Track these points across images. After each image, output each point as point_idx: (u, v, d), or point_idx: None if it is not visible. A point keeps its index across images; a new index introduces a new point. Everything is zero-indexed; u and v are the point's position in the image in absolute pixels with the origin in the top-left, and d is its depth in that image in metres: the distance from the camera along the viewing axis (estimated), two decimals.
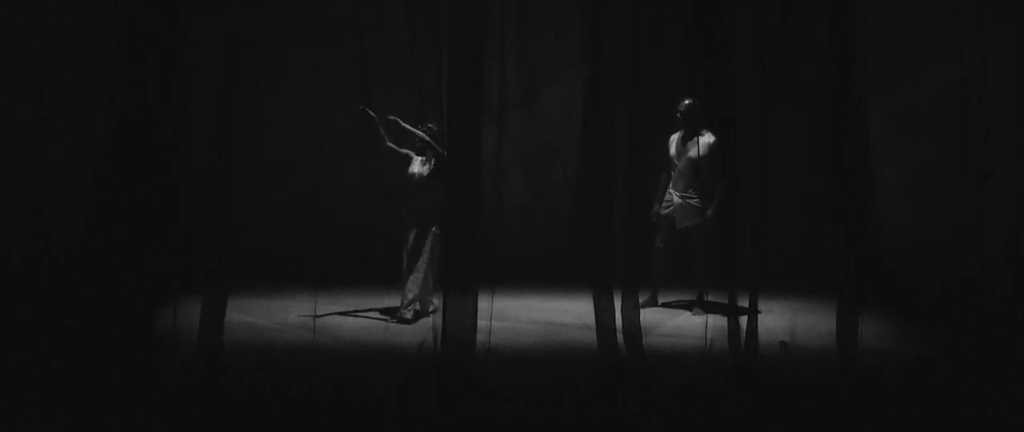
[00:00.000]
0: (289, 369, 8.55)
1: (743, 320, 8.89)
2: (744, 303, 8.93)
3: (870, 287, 9.55)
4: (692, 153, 10.22)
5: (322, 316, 9.93)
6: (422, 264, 9.89)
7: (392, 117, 9.89)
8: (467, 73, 8.89)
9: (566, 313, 10.27)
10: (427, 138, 9.86)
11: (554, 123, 11.74)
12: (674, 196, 10.34)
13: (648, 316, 9.81)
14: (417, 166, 9.96)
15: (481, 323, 8.77)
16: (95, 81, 9.68)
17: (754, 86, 9.35)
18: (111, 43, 9.39)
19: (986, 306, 9.79)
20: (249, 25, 9.27)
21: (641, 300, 9.56)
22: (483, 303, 8.87)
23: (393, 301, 10.12)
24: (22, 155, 9.78)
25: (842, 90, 9.18)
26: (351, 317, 10.08)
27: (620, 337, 8.95)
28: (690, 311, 10.30)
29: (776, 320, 9.83)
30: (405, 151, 9.99)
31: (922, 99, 10.86)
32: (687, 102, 10.24)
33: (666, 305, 10.59)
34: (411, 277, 9.91)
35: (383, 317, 10.03)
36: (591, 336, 9.02)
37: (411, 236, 9.94)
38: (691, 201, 10.25)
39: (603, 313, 8.98)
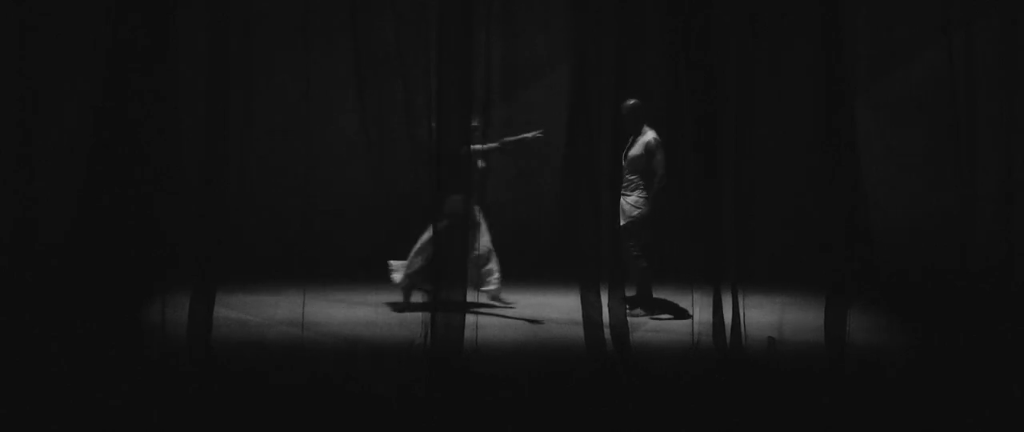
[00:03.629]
0: (278, 365, 8.65)
1: (728, 316, 9.00)
2: (729, 299, 9.04)
3: (858, 280, 9.63)
4: (631, 152, 10.29)
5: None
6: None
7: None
8: (456, 67, 8.99)
9: (553, 308, 10.40)
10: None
11: (540, 117, 11.80)
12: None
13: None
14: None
15: (468, 318, 8.88)
16: (85, 78, 9.77)
17: (740, 78, 9.43)
18: (101, 41, 9.47)
19: (977, 298, 9.88)
20: (239, 20, 9.35)
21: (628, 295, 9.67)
22: (470, 298, 9.01)
23: (384, 296, 10.23)
24: (12, 154, 9.86)
25: (830, 80, 9.26)
26: (340, 313, 10.19)
27: (607, 332, 9.05)
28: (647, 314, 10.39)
29: (764, 315, 9.90)
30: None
31: (911, 88, 10.94)
32: (630, 102, 10.30)
33: (658, 300, 10.69)
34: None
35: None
36: (578, 331, 9.11)
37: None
38: (629, 199, 10.30)
39: (590, 308, 9.08)
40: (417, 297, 10.22)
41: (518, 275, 10.93)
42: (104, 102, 9.34)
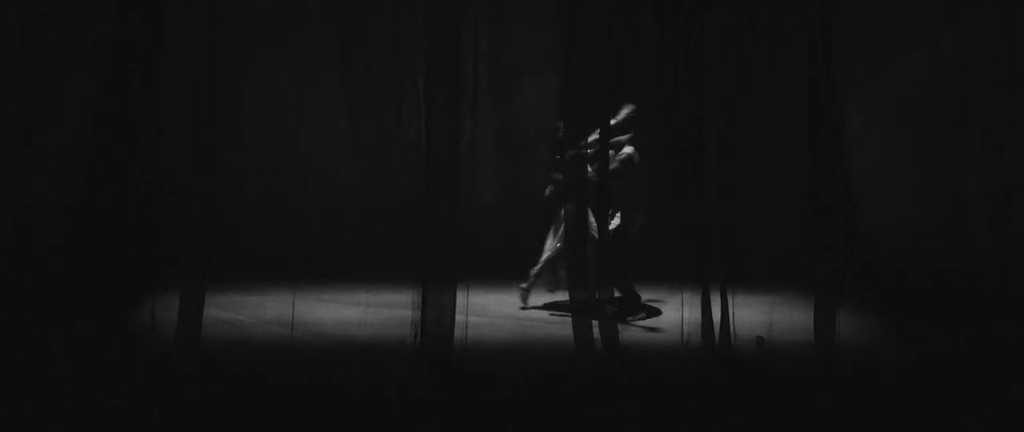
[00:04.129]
0: (275, 365, 8.70)
1: (717, 315, 9.00)
2: (717, 298, 9.07)
3: (852, 280, 9.60)
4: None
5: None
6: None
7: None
8: (445, 67, 9.05)
9: (542, 309, 10.41)
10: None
11: (529, 117, 11.82)
12: None
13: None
14: None
15: (458, 318, 8.97)
16: (85, 78, 9.84)
17: (727, 79, 9.43)
18: (97, 46, 9.56)
19: (976, 297, 9.83)
20: (235, 20, 9.43)
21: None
22: (460, 298, 9.05)
23: (377, 296, 10.25)
24: (12, 154, 9.94)
25: (819, 78, 9.26)
26: (332, 313, 10.25)
27: (596, 331, 9.10)
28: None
29: (754, 315, 9.91)
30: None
31: (911, 88, 10.90)
32: (614, 121, 10.20)
33: (649, 301, 10.69)
34: None
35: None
36: (568, 330, 9.18)
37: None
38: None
39: (578, 308, 9.20)
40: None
41: (507, 274, 11.00)
42: (104, 102, 9.44)
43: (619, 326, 9.29)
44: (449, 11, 9.11)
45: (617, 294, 9.91)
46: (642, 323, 9.95)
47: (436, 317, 8.92)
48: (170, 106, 9.46)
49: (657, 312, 10.17)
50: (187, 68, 9.46)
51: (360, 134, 10.58)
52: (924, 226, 10.82)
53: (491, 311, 10.31)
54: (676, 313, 9.78)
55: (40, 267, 9.87)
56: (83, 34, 9.99)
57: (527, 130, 11.89)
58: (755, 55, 10.30)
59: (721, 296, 9.09)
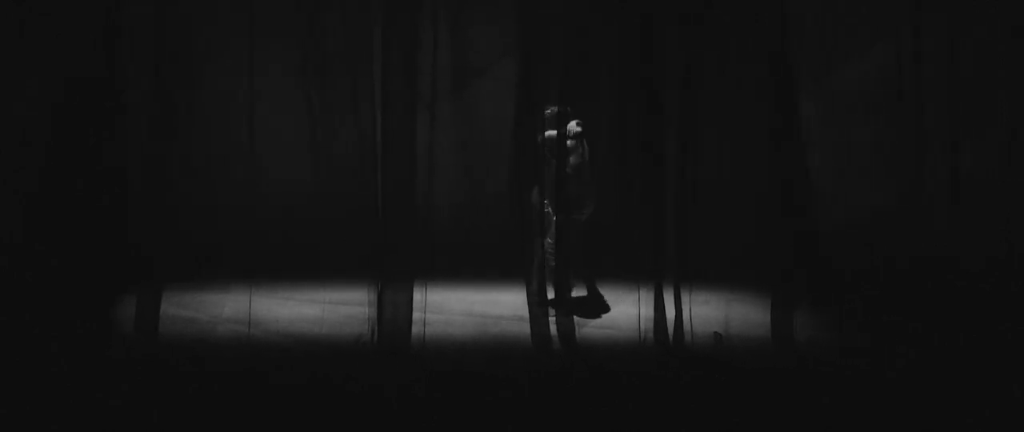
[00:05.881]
0: (225, 361, 8.75)
1: (671, 312, 9.06)
2: (671, 295, 9.14)
3: (805, 275, 9.67)
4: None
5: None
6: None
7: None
8: (401, 61, 9.08)
9: (499, 305, 10.42)
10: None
11: (488, 113, 11.82)
12: None
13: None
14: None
15: (415, 315, 9.03)
16: (38, 81, 9.78)
17: (683, 69, 9.48)
18: (53, 44, 9.50)
19: (928, 291, 9.90)
20: (189, 21, 9.40)
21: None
22: (417, 295, 9.10)
23: (333, 294, 10.30)
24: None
25: (775, 72, 9.31)
26: (287, 311, 10.24)
27: (553, 329, 9.13)
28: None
29: (712, 312, 9.95)
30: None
31: (860, 80, 10.95)
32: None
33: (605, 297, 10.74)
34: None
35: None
36: (525, 328, 9.25)
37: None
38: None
39: (536, 306, 9.29)
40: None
41: (463, 272, 11.04)
42: (66, 100, 9.40)
43: (576, 323, 9.33)
44: (407, 8, 9.12)
45: (577, 293, 9.95)
46: (599, 320, 9.99)
47: (392, 315, 8.96)
48: (126, 106, 9.42)
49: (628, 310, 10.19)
50: (142, 64, 9.43)
51: (316, 133, 10.58)
52: (887, 224, 10.86)
53: (449, 308, 10.31)
54: (633, 310, 9.83)
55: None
56: (42, 32, 9.91)
57: (489, 127, 11.89)
58: (713, 54, 10.36)
59: (675, 292, 9.15)
